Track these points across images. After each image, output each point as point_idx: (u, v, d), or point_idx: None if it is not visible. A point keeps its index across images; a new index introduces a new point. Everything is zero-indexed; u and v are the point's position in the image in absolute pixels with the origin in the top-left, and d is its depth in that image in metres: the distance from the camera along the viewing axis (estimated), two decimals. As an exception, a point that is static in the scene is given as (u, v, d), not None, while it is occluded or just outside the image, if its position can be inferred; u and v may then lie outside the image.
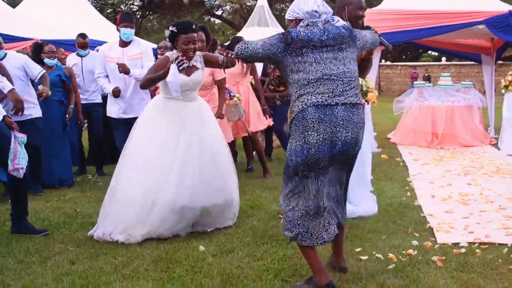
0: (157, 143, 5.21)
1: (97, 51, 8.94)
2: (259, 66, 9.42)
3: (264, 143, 9.67)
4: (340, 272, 4.12)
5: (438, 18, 10.09)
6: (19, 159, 5.06)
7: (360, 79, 5.22)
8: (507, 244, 4.70)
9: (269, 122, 8.31)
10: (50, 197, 6.99)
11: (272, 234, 5.10)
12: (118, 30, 7.06)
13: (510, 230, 5.13)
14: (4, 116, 5.14)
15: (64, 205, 6.57)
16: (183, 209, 5.08)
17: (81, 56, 8.68)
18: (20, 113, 5.32)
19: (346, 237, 4.84)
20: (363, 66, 4.73)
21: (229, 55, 4.27)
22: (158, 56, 8.43)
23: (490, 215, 5.74)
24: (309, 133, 3.63)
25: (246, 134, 8.08)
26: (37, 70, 6.97)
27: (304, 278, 4.01)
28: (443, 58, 33.89)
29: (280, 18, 24.00)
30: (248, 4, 32.67)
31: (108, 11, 35.52)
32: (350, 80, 3.77)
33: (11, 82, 5.74)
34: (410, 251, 4.57)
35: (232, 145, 7.49)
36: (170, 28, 5.23)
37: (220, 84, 6.97)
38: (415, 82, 14.76)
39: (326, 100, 3.65)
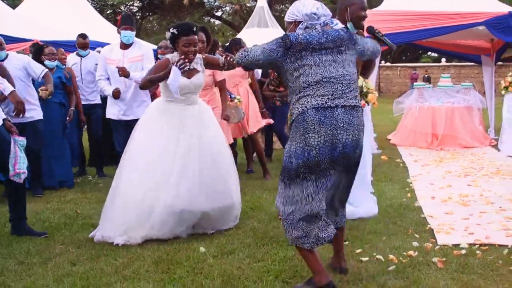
0: (157, 146, 5.22)
1: (99, 52, 8.95)
2: (259, 66, 9.41)
3: (264, 144, 9.66)
4: (340, 273, 4.13)
5: (438, 19, 10.08)
6: (19, 164, 5.07)
7: (360, 80, 5.23)
8: (507, 245, 4.71)
9: (267, 121, 8.32)
10: (51, 198, 6.99)
11: (273, 236, 5.11)
12: (119, 33, 7.07)
13: (510, 231, 5.13)
14: (3, 120, 5.14)
15: (64, 206, 6.57)
16: (182, 212, 5.08)
17: (81, 56, 8.68)
18: (21, 115, 5.32)
19: (346, 238, 4.87)
20: (367, 66, 4.74)
21: (228, 57, 4.28)
22: (159, 56, 8.45)
23: (490, 216, 5.75)
24: (310, 135, 3.63)
25: (245, 136, 8.10)
26: (39, 69, 6.99)
27: (305, 279, 4.01)
28: (443, 59, 33.86)
29: (279, 19, 24.03)
30: (248, 5, 32.67)
31: (108, 12, 35.54)
32: (350, 83, 3.78)
33: (12, 84, 5.74)
34: (411, 252, 4.58)
35: (232, 146, 7.48)
36: (171, 30, 5.23)
37: (221, 85, 6.97)
38: (415, 83, 14.75)
39: (326, 102, 3.66)
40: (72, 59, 8.77)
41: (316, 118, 3.63)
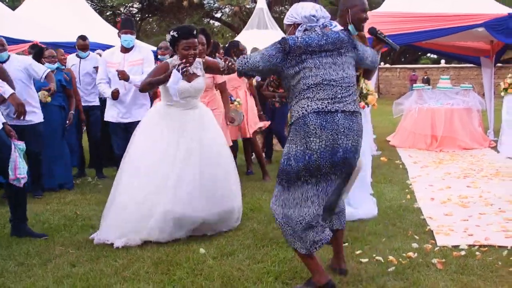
0: (157, 150, 5.21)
1: (99, 54, 8.96)
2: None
3: (264, 146, 9.66)
4: (340, 275, 4.13)
5: (438, 21, 10.10)
6: (20, 169, 5.07)
7: (361, 81, 5.22)
8: (507, 247, 4.72)
9: (265, 123, 8.33)
10: (50, 199, 6.99)
11: (273, 237, 5.11)
12: (119, 36, 7.06)
13: (510, 233, 5.14)
14: (3, 124, 5.14)
15: (64, 207, 6.57)
16: (181, 219, 5.08)
17: (80, 58, 8.69)
18: (22, 117, 5.31)
19: (346, 240, 4.88)
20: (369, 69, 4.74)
21: (227, 61, 4.28)
22: (159, 56, 8.45)
23: (490, 218, 5.75)
24: (311, 139, 3.64)
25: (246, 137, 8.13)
26: (41, 70, 7.00)
27: (304, 280, 4.01)
28: (442, 61, 33.85)
29: (279, 20, 24.04)
30: (248, 6, 32.68)
31: (108, 13, 35.51)
32: (349, 86, 3.79)
33: (13, 86, 5.75)
34: (410, 253, 4.58)
35: (232, 148, 7.48)
36: (171, 33, 5.24)
37: (222, 88, 6.96)
38: (414, 85, 14.77)
39: (326, 107, 3.67)
40: (71, 60, 8.78)
41: (317, 123, 3.64)
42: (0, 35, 7.44)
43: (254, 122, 8.12)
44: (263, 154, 8.88)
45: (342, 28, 4.16)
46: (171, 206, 5.03)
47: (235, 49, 8.27)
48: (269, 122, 8.44)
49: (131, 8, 37.95)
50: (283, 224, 3.81)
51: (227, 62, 4.31)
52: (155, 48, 10.23)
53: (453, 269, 4.25)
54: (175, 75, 5.03)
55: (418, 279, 4.05)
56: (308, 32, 3.81)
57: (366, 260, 4.48)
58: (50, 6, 13.30)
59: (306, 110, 3.67)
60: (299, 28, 3.86)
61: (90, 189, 7.68)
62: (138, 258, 4.65)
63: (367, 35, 4.72)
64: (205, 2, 35.81)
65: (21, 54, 9.14)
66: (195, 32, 5.27)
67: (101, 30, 13.48)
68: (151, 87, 5.50)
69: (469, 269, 4.25)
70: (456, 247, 4.76)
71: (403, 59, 41.52)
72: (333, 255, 4.28)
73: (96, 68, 8.42)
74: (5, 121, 5.18)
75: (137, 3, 36.31)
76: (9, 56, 6.89)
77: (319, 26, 3.84)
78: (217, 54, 7.67)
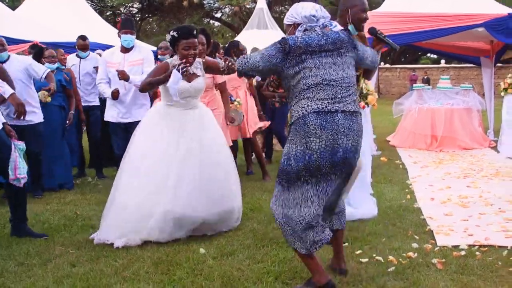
0: (157, 150, 5.21)
1: (99, 54, 8.96)
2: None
3: (264, 146, 9.66)
4: (340, 275, 4.13)
5: (438, 21, 10.11)
6: (20, 169, 5.06)
7: (361, 81, 5.22)
8: (507, 247, 4.72)
9: (265, 123, 8.33)
10: (50, 199, 6.99)
11: (273, 237, 5.11)
12: (119, 36, 7.06)
13: (510, 233, 5.14)
14: (3, 124, 5.14)
15: (64, 207, 6.57)
16: (181, 219, 5.08)
17: (80, 58, 8.69)
18: (22, 117, 5.30)
19: (346, 240, 4.88)
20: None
21: (227, 61, 4.28)
22: (159, 56, 8.44)
23: (490, 218, 5.75)
24: (311, 139, 3.64)
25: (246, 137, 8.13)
26: (41, 70, 7.01)
27: (304, 280, 4.01)
28: (442, 61, 33.85)
29: (279, 20, 24.05)
30: (248, 6, 32.68)
31: (108, 13, 35.51)
32: (349, 86, 3.79)
33: (13, 86, 5.75)
34: (410, 253, 4.58)
35: (232, 148, 7.48)
36: (171, 33, 5.24)
37: (222, 88, 6.95)
38: (414, 85, 14.77)
39: (326, 107, 3.67)
40: (71, 60, 8.78)
41: (317, 123, 3.64)
42: (0, 35, 7.43)
43: (254, 122, 8.12)
44: (263, 154, 8.88)
45: (342, 28, 4.16)
46: (171, 206, 5.03)
47: (235, 49, 8.27)
48: (269, 122, 8.44)
49: (131, 8, 37.96)
50: (283, 224, 3.81)
51: (227, 62, 4.32)
52: (155, 48, 10.23)
53: (453, 269, 4.26)
54: (175, 75, 5.02)
55: (418, 279, 4.05)
56: (308, 32, 3.81)
57: (366, 260, 4.48)
58: (50, 6, 13.30)
59: (306, 110, 3.67)
60: (299, 28, 3.86)
61: (90, 189, 7.68)
62: (138, 258, 4.65)
63: (367, 35, 4.72)
64: (205, 2, 35.81)
65: (21, 54, 9.14)
66: (195, 32, 5.28)
67: (101, 30, 13.49)
68: (151, 87, 5.50)
69: (469, 269, 4.25)
70: (456, 247, 4.76)
71: (403, 59, 41.53)
72: (333, 255, 4.28)
73: (96, 68, 8.42)
74: (5, 121, 5.18)
75: (137, 3, 36.31)
76: (9, 56, 6.89)
77: (319, 26, 3.84)
78: (217, 54, 7.66)
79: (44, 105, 7.13)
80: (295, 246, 3.79)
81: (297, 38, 3.75)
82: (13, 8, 15.22)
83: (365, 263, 4.43)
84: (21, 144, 5.21)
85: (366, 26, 4.70)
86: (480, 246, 4.79)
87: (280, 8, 36.91)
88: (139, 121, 6.56)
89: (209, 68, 5.44)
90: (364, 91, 6.06)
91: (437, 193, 7.00)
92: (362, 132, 3.89)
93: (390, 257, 4.48)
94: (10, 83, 5.76)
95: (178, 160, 5.17)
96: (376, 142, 10.80)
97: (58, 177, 7.59)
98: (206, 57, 5.67)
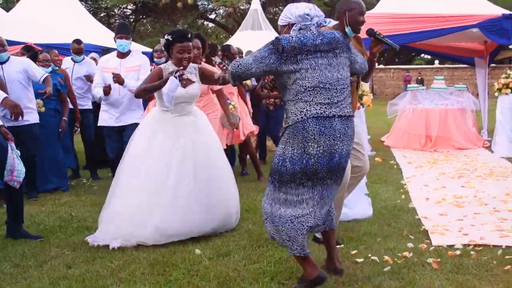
0: (153, 158, 5.21)
1: (93, 58, 8.95)
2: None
3: (257, 147, 9.66)
4: (336, 275, 4.13)
5: (432, 22, 10.13)
6: (18, 172, 5.04)
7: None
8: (501, 246, 4.73)
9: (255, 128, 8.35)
10: (45, 201, 6.98)
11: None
12: (115, 41, 7.03)
13: (504, 232, 5.16)
14: (0, 126, 5.12)
15: (59, 209, 6.56)
16: (178, 236, 5.08)
17: (75, 62, 8.69)
18: (20, 118, 5.24)
19: (341, 240, 4.89)
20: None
21: (225, 71, 4.30)
22: (155, 59, 8.44)
23: (484, 217, 5.77)
24: (310, 144, 3.65)
25: (241, 141, 8.13)
26: (40, 73, 7.02)
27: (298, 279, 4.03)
28: (436, 61, 33.96)
29: (273, 21, 24.01)
30: (242, 7, 32.65)
31: (102, 15, 35.43)
32: (343, 88, 3.80)
33: (5, 90, 5.73)
34: (406, 253, 4.60)
35: (227, 150, 7.48)
36: (166, 37, 5.24)
37: (219, 93, 6.81)
38: (408, 85, 14.80)
39: (324, 112, 3.68)
40: (66, 63, 8.79)
41: (316, 129, 3.65)
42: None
43: (248, 124, 8.11)
44: (257, 155, 8.89)
45: (337, 22, 4.19)
46: (165, 226, 5.02)
47: (228, 53, 8.28)
48: (257, 128, 8.45)
49: (125, 10, 37.88)
50: (268, 222, 3.90)
51: (225, 72, 4.33)
52: (148, 49, 10.23)
53: (448, 269, 4.27)
54: (173, 82, 4.99)
55: (413, 279, 4.06)
56: (303, 31, 3.81)
57: (362, 260, 4.49)
58: (44, 8, 13.25)
59: (305, 115, 3.67)
60: (294, 27, 3.86)
61: (85, 191, 7.68)
62: (134, 259, 4.65)
63: (365, 37, 4.71)
64: (199, 3, 35.75)
65: (15, 55, 9.12)
66: (189, 36, 5.28)
67: (95, 32, 13.45)
68: (146, 94, 5.48)
69: (464, 269, 4.26)
70: (451, 247, 4.77)
71: (397, 60, 41.61)
72: (327, 256, 4.28)
73: (86, 76, 8.46)
74: (1, 123, 5.16)
75: (131, 5, 36.21)
76: (9, 57, 6.89)
77: (314, 25, 3.85)
78: (216, 56, 7.67)
79: (38, 112, 7.12)
80: (285, 244, 3.83)
81: (292, 37, 3.75)
82: (7, 9, 15.17)
83: (361, 263, 4.44)
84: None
85: (363, 28, 4.71)
86: (475, 245, 4.80)
87: (274, 9, 36.90)
88: (132, 124, 6.57)
89: (205, 79, 5.43)
90: (360, 92, 6.07)
91: (432, 193, 7.02)
92: (354, 135, 3.92)
93: (386, 257, 4.49)
94: (3, 87, 5.75)
95: (173, 168, 5.16)
96: (371, 143, 10.80)
97: (53, 181, 7.58)
98: (203, 64, 5.66)
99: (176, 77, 4.98)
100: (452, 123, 11.22)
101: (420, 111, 11.62)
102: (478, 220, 5.69)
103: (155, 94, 5.35)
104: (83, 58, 8.80)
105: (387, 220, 5.69)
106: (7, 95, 5.34)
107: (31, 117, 6.85)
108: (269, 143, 9.99)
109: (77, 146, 9.00)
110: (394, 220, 5.72)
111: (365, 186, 6.37)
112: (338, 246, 4.63)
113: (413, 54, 39.36)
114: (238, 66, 3.87)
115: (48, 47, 8.93)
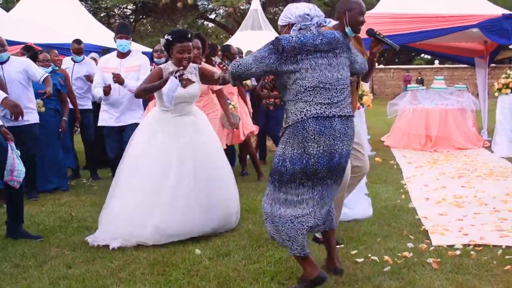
0: (153, 158, 5.20)
1: (93, 58, 8.95)
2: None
3: (257, 147, 9.66)
4: (336, 275, 4.13)
5: (432, 22, 10.14)
6: (18, 172, 5.04)
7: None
8: (501, 246, 4.73)
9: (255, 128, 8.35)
10: (45, 201, 6.98)
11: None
12: (115, 41, 7.03)
13: (504, 232, 5.16)
14: (0, 126, 5.12)
15: (59, 209, 6.56)
16: (178, 236, 5.08)
17: (75, 62, 8.69)
18: (20, 118, 5.24)
19: (341, 240, 4.89)
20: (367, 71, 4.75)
21: (225, 72, 4.30)
22: (155, 59, 8.43)
23: (484, 217, 5.77)
24: (310, 144, 3.66)
25: (241, 141, 8.13)
26: (40, 73, 7.03)
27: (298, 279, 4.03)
28: (436, 61, 33.96)
29: (273, 21, 24.02)
30: (242, 7, 32.66)
31: (102, 14, 35.43)
32: (343, 88, 3.80)
33: (5, 90, 5.73)
34: (406, 253, 4.60)
35: (227, 150, 7.48)
36: (166, 37, 5.24)
37: (219, 94, 6.81)
38: (408, 85, 14.80)
39: (324, 112, 3.68)
40: (66, 63, 8.79)
41: (316, 128, 3.65)
42: (-4, 36, 7.42)
43: (248, 124, 8.12)
44: (257, 155, 8.89)
45: (337, 22, 4.18)
46: (165, 226, 5.03)
47: (227, 53, 8.28)
48: (257, 128, 8.45)
49: (125, 10, 37.89)
50: (268, 221, 3.90)
51: (225, 72, 4.33)
52: (148, 49, 10.23)
53: (449, 269, 4.27)
54: (173, 82, 4.98)
55: (413, 279, 4.06)
56: (303, 31, 3.81)
57: (362, 260, 4.49)
58: (44, 8, 13.25)
59: (305, 115, 3.68)
60: (294, 27, 3.86)
61: (85, 191, 7.68)
62: (134, 259, 4.65)
63: (365, 37, 4.71)
64: (199, 3, 35.76)
65: (15, 55, 9.12)
66: (189, 36, 5.28)
67: (95, 32, 13.45)
68: (147, 94, 5.48)
69: (464, 269, 4.26)
70: (451, 247, 4.77)
71: (397, 60, 41.61)
72: (326, 256, 4.28)
73: (86, 76, 8.46)
74: (1, 123, 5.16)
75: (131, 5, 36.22)
76: (9, 57, 6.89)
77: (314, 25, 3.85)
78: (216, 56, 7.67)
79: (38, 112, 7.13)
80: (285, 244, 3.83)
81: (292, 37, 3.75)
82: (7, 9, 15.17)
83: (361, 263, 4.44)
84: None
85: (363, 28, 4.70)
86: (475, 245, 4.80)
87: (274, 9, 36.91)
88: (132, 124, 6.57)
89: (205, 79, 5.43)
90: (360, 92, 6.07)
91: (431, 193, 7.02)
92: (354, 135, 3.93)
93: (386, 257, 4.49)
94: (3, 87, 5.75)
95: (173, 168, 5.16)
96: (371, 143, 10.80)
97: (53, 182, 7.58)
98: (203, 64, 5.66)
99: (176, 77, 4.97)
100: (452, 123, 11.22)
101: (420, 111, 11.62)
102: (478, 220, 5.69)
103: (155, 94, 5.34)
104: (83, 58, 8.81)
105: (387, 220, 5.69)
106: (7, 95, 5.34)
107: (31, 117, 6.85)
108: (269, 143, 9.99)
109: (77, 146, 9.00)
110: (394, 220, 5.72)
111: (365, 186, 6.37)
112: (338, 246, 4.64)
113: (413, 54, 39.38)
114: (238, 66, 3.87)
115: (48, 47, 8.93)
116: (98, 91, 7.04)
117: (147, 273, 4.33)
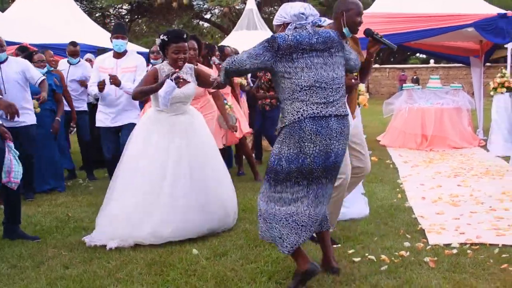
0: (148, 156, 5.20)
1: (90, 60, 8.93)
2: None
3: (253, 147, 9.66)
4: (333, 274, 4.14)
5: (428, 21, 10.15)
6: (15, 173, 5.03)
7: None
8: (498, 245, 4.75)
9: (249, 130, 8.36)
10: (42, 201, 6.97)
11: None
12: (111, 41, 7.02)
13: (501, 231, 5.18)
14: None
15: (55, 209, 6.55)
16: (175, 236, 5.07)
17: (70, 64, 8.68)
18: (16, 117, 5.22)
19: (338, 239, 4.90)
20: (364, 72, 4.76)
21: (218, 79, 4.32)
22: (151, 60, 8.43)
23: (481, 216, 5.79)
24: (306, 144, 3.67)
25: (237, 142, 8.13)
26: (37, 75, 7.00)
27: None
28: (431, 61, 34.03)
29: (268, 21, 24.00)
30: (237, 7, 32.68)
31: (97, 15, 35.39)
32: (339, 87, 3.82)
33: (0, 91, 5.72)
34: (402, 252, 4.61)
35: (223, 151, 7.48)
36: (161, 37, 5.24)
37: (215, 95, 6.81)
38: (404, 85, 14.83)
39: (320, 112, 3.69)
40: (61, 65, 8.78)
41: (313, 129, 3.66)
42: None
43: (243, 126, 8.12)
44: (253, 155, 8.90)
45: (332, 21, 4.19)
46: (162, 226, 5.03)
47: (222, 54, 8.27)
48: (251, 130, 8.46)
49: (120, 10, 37.86)
50: (261, 219, 3.89)
51: (218, 76, 4.33)
52: (143, 50, 10.21)
53: (445, 267, 4.28)
54: (169, 85, 4.97)
55: (410, 278, 4.07)
56: (299, 30, 3.82)
57: (359, 259, 4.50)
58: (40, 8, 13.23)
59: (302, 115, 3.68)
60: (289, 26, 3.87)
61: (81, 191, 7.67)
62: (131, 260, 4.64)
63: (362, 36, 4.72)
64: (194, 3, 35.76)
65: (11, 55, 9.11)
66: (185, 36, 5.28)
67: (90, 32, 13.44)
68: (143, 96, 5.49)
69: (461, 267, 4.27)
70: (447, 246, 4.79)
71: (392, 59, 41.65)
72: (322, 256, 4.29)
73: (80, 81, 8.45)
74: (0, 122, 5.15)
75: (127, 5, 36.19)
76: (7, 57, 6.88)
77: (309, 24, 3.86)
78: (214, 56, 7.66)
79: (34, 112, 7.12)
80: (276, 241, 3.83)
81: (287, 36, 3.76)
82: (2, 10, 15.14)
83: (358, 262, 4.45)
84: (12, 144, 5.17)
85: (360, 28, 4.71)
86: (472, 244, 4.82)
87: (270, 9, 36.91)
88: (129, 124, 6.56)
89: (201, 81, 5.43)
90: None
91: (428, 192, 7.03)
92: (354, 135, 3.94)
93: (383, 256, 4.50)
94: None
95: (170, 168, 5.15)
96: (367, 142, 10.79)
97: (49, 182, 7.57)
98: (200, 65, 5.64)
99: (172, 80, 4.97)
100: (448, 122, 11.25)
101: (416, 110, 11.64)
102: (474, 219, 5.70)
103: (151, 95, 5.34)
104: (79, 61, 8.80)
105: (384, 219, 5.71)
106: (1, 96, 5.33)
107: (28, 118, 6.83)
108: (265, 143, 9.99)
109: (73, 147, 8.98)
110: (390, 219, 5.73)
111: (361, 186, 6.36)
112: (335, 246, 4.65)
113: (408, 53, 39.41)
114: (232, 62, 3.89)
115: (43, 47, 8.92)
116: (93, 89, 7.02)
117: (144, 273, 4.33)
